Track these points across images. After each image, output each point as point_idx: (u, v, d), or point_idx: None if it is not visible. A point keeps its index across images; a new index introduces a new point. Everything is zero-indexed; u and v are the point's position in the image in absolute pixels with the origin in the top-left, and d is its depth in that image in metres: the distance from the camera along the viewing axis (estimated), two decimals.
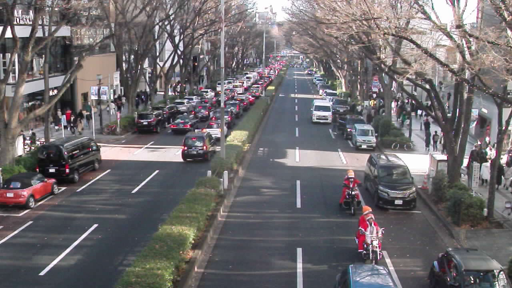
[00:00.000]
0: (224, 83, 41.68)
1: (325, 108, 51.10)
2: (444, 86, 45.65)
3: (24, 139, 33.12)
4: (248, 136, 37.51)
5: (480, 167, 26.25)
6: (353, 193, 22.89)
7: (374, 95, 59.95)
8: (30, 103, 41.26)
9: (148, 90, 60.52)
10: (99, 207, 24.10)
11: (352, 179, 23.19)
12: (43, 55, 37.22)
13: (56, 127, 41.49)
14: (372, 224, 17.65)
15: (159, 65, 58.94)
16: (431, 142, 37.11)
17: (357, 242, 18.27)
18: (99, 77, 42.24)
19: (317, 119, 49.83)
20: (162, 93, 64.10)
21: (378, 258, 17.31)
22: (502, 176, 27.02)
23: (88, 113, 44.27)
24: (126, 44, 48.92)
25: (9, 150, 27.17)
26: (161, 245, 15.99)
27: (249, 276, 17.15)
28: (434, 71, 43.82)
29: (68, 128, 41.12)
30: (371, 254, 17.19)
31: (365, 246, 17.49)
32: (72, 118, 42.53)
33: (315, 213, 23.46)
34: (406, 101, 53.87)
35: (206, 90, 71.01)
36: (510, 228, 21.25)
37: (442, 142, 35.32)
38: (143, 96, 59.17)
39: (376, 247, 17.29)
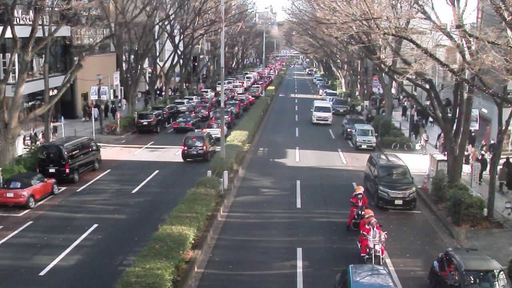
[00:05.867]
0: (224, 83, 41.70)
1: (325, 109, 50.56)
2: (444, 86, 45.66)
3: (24, 139, 33.25)
4: (248, 136, 37.50)
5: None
6: (362, 213, 20.25)
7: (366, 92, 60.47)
8: (30, 103, 41.29)
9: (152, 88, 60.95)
10: (99, 207, 24.11)
11: (361, 196, 21.14)
12: (43, 55, 37.24)
13: (83, 119, 46.47)
14: (375, 228, 17.57)
15: (159, 65, 58.95)
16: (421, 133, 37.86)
17: (359, 246, 18.19)
18: (99, 77, 42.27)
19: (317, 120, 49.40)
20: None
21: (381, 263, 17.11)
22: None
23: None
24: (126, 44, 48.95)
25: (9, 150, 27.19)
26: (161, 245, 15.98)
27: (249, 276, 17.15)
28: (434, 71, 43.80)
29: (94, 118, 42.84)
30: (373, 258, 17.10)
31: (367, 250, 17.40)
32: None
33: (315, 213, 23.46)
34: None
35: (206, 90, 71.07)
36: (510, 228, 21.25)
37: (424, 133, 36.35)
38: (148, 96, 59.10)
39: (379, 251, 17.20)
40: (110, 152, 35.16)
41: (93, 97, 43.29)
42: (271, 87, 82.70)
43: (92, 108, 44.14)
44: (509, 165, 26.53)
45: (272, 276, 17.24)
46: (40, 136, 34.88)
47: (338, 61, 73.06)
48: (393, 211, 23.80)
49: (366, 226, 17.83)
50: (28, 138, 34.03)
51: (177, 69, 66.78)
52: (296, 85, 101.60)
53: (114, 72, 50.26)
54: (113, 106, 49.67)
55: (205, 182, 23.54)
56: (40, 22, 31.68)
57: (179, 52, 60.46)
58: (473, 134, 33.63)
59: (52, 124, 37.37)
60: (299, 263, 18.00)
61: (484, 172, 27.67)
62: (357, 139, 37.64)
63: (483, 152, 30.82)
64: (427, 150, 35.15)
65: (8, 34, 27.19)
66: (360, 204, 21.00)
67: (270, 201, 25.30)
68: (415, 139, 38.03)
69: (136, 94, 57.21)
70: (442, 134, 33.86)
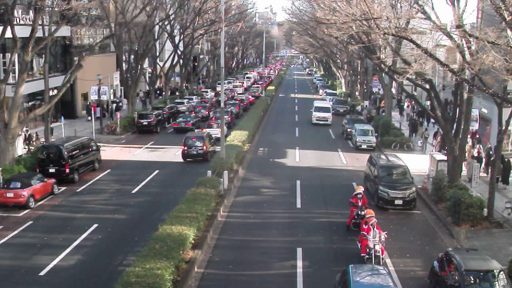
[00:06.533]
0: (224, 83, 41.71)
1: (325, 109, 50.33)
2: (445, 86, 45.79)
3: (26, 139, 33.28)
4: (248, 136, 37.50)
5: None
6: (362, 213, 20.29)
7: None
8: (30, 103, 41.28)
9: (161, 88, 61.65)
10: (99, 207, 24.11)
11: (361, 196, 21.10)
12: (43, 55, 37.23)
13: (89, 118, 45.21)
14: (375, 228, 17.56)
15: (159, 65, 58.95)
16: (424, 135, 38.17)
17: (359, 246, 18.20)
18: (99, 77, 42.27)
19: (316, 120, 49.17)
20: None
21: (381, 263, 17.08)
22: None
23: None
24: (126, 44, 48.94)
25: (9, 150, 27.18)
26: (161, 245, 15.98)
27: (249, 276, 17.16)
28: (434, 71, 43.82)
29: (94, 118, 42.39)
30: (373, 258, 17.10)
31: (367, 250, 17.40)
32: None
33: (315, 213, 23.46)
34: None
35: (206, 90, 71.07)
36: (510, 228, 21.26)
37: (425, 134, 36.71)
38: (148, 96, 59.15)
39: (379, 251, 17.19)
40: (110, 152, 35.16)
41: (93, 97, 43.27)
42: (271, 87, 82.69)
43: (95, 108, 44.21)
44: (503, 161, 26.62)
45: (272, 276, 17.24)
46: (34, 138, 34.69)
47: (338, 61, 73.06)
48: (393, 211, 23.80)
49: (365, 226, 17.83)
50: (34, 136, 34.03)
51: (177, 69, 66.76)
52: (296, 85, 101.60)
53: (114, 72, 50.26)
54: (115, 105, 49.62)
55: (205, 182, 23.53)
56: (40, 22, 31.70)
57: (179, 52, 60.44)
58: (477, 136, 33.63)
59: (31, 129, 37.22)
60: (299, 263, 17.99)
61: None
62: (357, 139, 37.64)
63: (476, 149, 30.96)
64: (427, 149, 35.27)
65: (8, 34, 27.19)
66: (360, 204, 21.01)
67: (270, 201, 25.30)
68: (414, 137, 38.40)
69: (138, 93, 57.42)
70: (439, 133, 34.30)
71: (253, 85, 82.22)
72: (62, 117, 39.95)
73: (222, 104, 29.98)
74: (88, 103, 48.43)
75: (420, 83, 28.69)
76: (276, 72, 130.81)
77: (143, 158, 34.21)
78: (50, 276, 16.89)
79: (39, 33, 30.41)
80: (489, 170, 27.79)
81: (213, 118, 44.53)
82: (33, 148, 31.29)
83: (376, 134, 39.54)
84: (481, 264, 15.02)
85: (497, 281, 14.36)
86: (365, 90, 60.25)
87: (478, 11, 23.20)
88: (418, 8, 20.02)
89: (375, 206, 23.48)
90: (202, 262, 17.81)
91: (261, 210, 23.78)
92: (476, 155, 29.70)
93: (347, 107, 57.65)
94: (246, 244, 19.84)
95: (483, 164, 28.75)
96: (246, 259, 18.40)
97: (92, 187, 27.46)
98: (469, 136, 32.11)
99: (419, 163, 31.11)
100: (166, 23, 54.82)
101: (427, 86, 26.45)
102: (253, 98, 64.41)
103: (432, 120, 43.61)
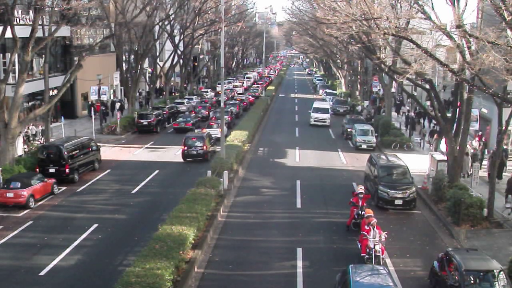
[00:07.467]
0: (224, 83, 41.72)
1: (324, 110, 49.88)
2: (445, 87, 45.73)
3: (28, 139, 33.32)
4: (248, 136, 37.50)
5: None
6: (362, 213, 20.13)
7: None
8: (30, 103, 41.28)
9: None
10: (99, 207, 24.11)
11: (362, 195, 21.00)
12: (43, 55, 37.23)
13: (93, 117, 43.83)
14: (375, 228, 17.56)
15: (159, 65, 58.94)
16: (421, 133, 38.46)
17: (359, 246, 18.20)
18: (99, 77, 42.26)
19: (315, 121, 48.67)
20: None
21: (381, 263, 17.06)
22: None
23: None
24: (126, 44, 48.93)
25: (9, 150, 27.18)
26: (161, 245, 15.99)
27: (249, 276, 17.16)
28: (434, 71, 43.80)
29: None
30: (373, 258, 17.09)
31: (367, 250, 17.40)
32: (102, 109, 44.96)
33: (315, 213, 23.46)
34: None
35: (206, 90, 71.08)
36: (510, 228, 21.26)
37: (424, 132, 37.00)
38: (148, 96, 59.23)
39: (379, 251, 17.18)
40: (110, 152, 35.16)
41: (93, 97, 43.26)
42: (271, 87, 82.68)
43: (99, 107, 44.21)
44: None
45: (272, 276, 17.25)
46: (25, 139, 34.54)
47: (338, 61, 73.03)
48: (393, 211, 23.81)
49: (366, 227, 17.83)
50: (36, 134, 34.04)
51: (177, 69, 66.76)
52: (296, 85, 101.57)
53: (114, 72, 50.27)
54: (119, 105, 49.61)
55: (205, 182, 23.54)
56: (40, 22, 31.67)
57: (179, 52, 60.45)
58: (484, 139, 33.49)
59: (40, 127, 37.04)
60: (299, 263, 18.00)
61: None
62: (357, 139, 37.65)
63: (469, 147, 30.96)
64: (425, 146, 35.28)
65: (8, 34, 27.19)
66: (360, 203, 20.99)
67: (270, 201, 25.30)
68: (413, 135, 38.73)
69: (141, 92, 57.46)
70: (435, 132, 34.30)
71: (253, 85, 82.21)
72: (62, 117, 39.96)
73: (222, 104, 29.99)
74: (89, 102, 48.41)
75: (420, 83, 28.68)
76: (276, 72, 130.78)
77: (143, 158, 34.21)
78: (50, 276, 16.89)
79: (39, 33, 30.40)
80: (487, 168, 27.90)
81: (213, 118, 44.51)
82: (26, 147, 31.30)
83: (376, 134, 39.56)
84: (481, 264, 15.02)
85: (497, 281, 14.36)
86: (365, 90, 60.23)
87: (478, 11, 23.19)
88: (418, 8, 20.03)
89: (375, 206, 23.50)
90: (202, 262, 17.82)
91: (261, 210, 23.78)
92: (472, 151, 29.68)
93: (347, 107, 57.59)
94: (246, 244, 19.84)
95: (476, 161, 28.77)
96: (246, 259, 18.41)
97: (92, 187, 27.47)
98: (476, 139, 32.18)
99: (419, 163, 31.11)
100: (166, 23, 54.80)
101: (427, 86, 26.45)
102: (253, 98, 64.40)
103: (434, 121, 43.70)
